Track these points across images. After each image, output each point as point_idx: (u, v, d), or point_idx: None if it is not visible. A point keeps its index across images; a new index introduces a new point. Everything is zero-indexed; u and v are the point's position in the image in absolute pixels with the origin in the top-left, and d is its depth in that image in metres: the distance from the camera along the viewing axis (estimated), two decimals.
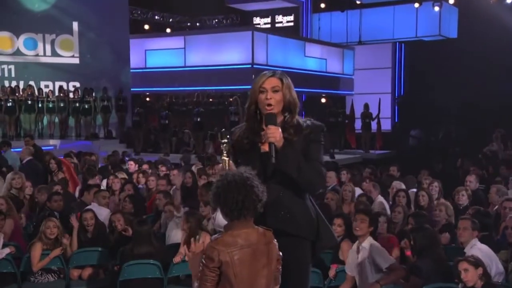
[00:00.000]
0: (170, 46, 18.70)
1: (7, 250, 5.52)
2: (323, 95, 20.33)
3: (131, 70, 18.02)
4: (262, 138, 2.87)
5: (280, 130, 2.83)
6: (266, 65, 16.87)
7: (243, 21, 25.18)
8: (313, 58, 20.05)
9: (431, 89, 20.27)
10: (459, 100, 19.09)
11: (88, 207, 6.71)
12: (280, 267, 2.65)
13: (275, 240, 2.60)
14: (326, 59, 20.70)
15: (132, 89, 17.92)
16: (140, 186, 8.22)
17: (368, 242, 4.80)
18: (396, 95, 22.75)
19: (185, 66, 18.04)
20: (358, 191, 7.41)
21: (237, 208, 2.48)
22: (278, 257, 2.60)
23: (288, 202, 2.91)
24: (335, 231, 5.31)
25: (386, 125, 20.12)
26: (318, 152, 2.95)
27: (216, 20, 26.04)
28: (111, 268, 5.73)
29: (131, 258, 5.22)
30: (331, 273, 5.12)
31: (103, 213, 6.61)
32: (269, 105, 2.89)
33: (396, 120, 22.22)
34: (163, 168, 9.35)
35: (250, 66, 16.76)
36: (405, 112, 21.51)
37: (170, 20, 25.53)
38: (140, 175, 8.50)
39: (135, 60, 18.85)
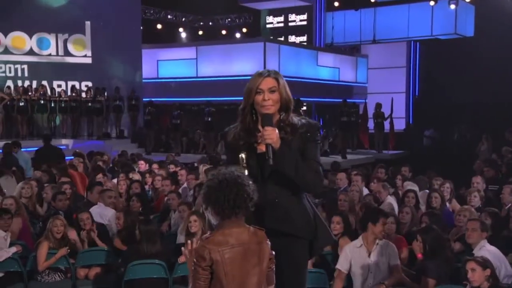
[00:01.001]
0: (182, 56, 18.93)
1: (13, 249, 5.56)
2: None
3: (143, 80, 18.12)
4: (258, 138, 2.86)
5: (277, 131, 2.82)
6: None
7: (256, 20, 25.21)
8: (326, 67, 20.12)
9: (447, 89, 20.11)
10: (475, 100, 18.90)
11: (94, 207, 6.76)
12: (273, 267, 2.65)
13: (268, 239, 2.60)
14: (339, 68, 20.79)
15: (144, 99, 18.04)
16: (146, 186, 8.26)
17: (383, 240, 4.84)
18: (411, 94, 22.61)
19: (197, 77, 18.21)
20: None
21: (228, 207, 2.48)
22: (271, 257, 2.60)
23: (286, 202, 2.91)
24: (334, 229, 5.33)
25: (400, 125, 20.01)
26: (314, 151, 2.94)
27: (229, 20, 26.12)
28: (117, 268, 5.74)
29: (136, 258, 5.23)
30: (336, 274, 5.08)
31: (108, 214, 6.65)
32: (267, 106, 2.88)
33: (410, 120, 22.07)
34: (172, 168, 9.38)
35: None
36: (420, 112, 21.36)
37: (183, 19, 25.65)
38: (147, 175, 8.54)
39: (148, 70, 19.09)
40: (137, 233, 5.46)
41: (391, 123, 16.56)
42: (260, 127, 2.89)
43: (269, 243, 2.60)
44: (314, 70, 19.54)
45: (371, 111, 17.27)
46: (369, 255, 4.78)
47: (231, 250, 2.48)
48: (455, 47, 21.09)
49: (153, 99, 16.97)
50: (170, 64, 19.19)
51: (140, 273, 5.29)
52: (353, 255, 4.84)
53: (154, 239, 5.26)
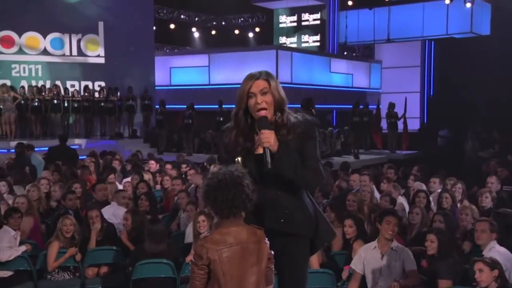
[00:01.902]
0: (195, 64, 19.06)
1: (23, 248, 5.62)
2: None
3: (156, 88, 18.22)
4: (256, 142, 2.84)
5: (273, 133, 2.79)
6: (291, 83, 17.16)
7: (269, 20, 25.22)
8: (339, 74, 20.08)
9: (462, 88, 19.91)
10: (490, 99, 18.70)
11: (107, 206, 6.81)
12: (272, 267, 2.66)
13: (266, 239, 2.61)
14: (352, 74, 20.73)
15: (156, 106, 18.13)
16: (158, 186, 8.30)
17: (396, 243, 4.80)
18: (425, 94, 22.46)
19: (209, 84, 18.27)
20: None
21: (227, 207, 2.50)
22: (270, 256, 2.61)
23: (286, 201, 2.90)
24: (346, 233, 5.29)
25: (415, 125, 19.88)
26: (313, 149, 2.91)
27: (242, 19, 26.16)
28: (125, 267, 5.78)
29: (144, 257, 5.26)
30: (344, 274, 5.08)
31: (121, 213, 6.67)
32: (262, 109, 2.85)
33: (425, 120, 21.91)
34: (185, 168, 9.42)
35: None
36: (434, 111, 21.19)
37: (196, 19, 25.74)
38: (157, 174, 8.59)
39: (160, 77, 19.25)
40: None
41: (405, 123, 16.44)
42: (257, 130, 2.86)
43: (268, 242, 2.61)
44: (327, 76, 19.62)
45: (384, 111, 17.18)
46: (381, 258, 4.75)
47: (229, 249, 2.49)
48: (471, 46, 20.89)
49: (168, 106, 17.02)
50: (183, 71, 19.38)
51: (147, 272, 5.31)
52: (366, 256, 4.83)
53: (158, 239, 5.28)
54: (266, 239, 2.61)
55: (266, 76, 2.91)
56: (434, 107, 21.50)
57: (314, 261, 5.12)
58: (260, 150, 2.81)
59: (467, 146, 15.73)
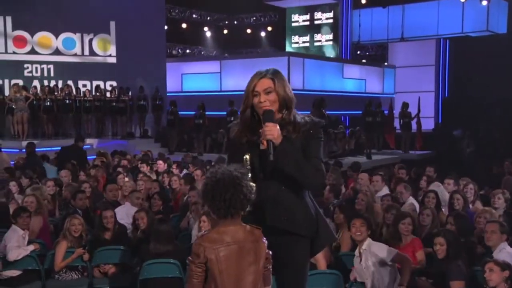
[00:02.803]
0: (206, 70, 19.12)
1: (31, 247, 5.68)
2: None
3: (168, 94, 18.32)
4: (261, 135, 2.86)
5: (278, 127, 2.82)
6: (303, 89, 17.16)
7: (281, 19, 25.21)
8: (351, 80, 20.03)
9: (478, 88, 19.76)
10: (507, 99, 18.52)
11: (120, 206, 6.86)
12: (270, 267, 2.67)
13: (264, 238, 2.62)
14: (365, 80, 20.65)
15: (168, 108, 18.25)
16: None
17: (367, 243, 4.83)
18: (440, 93, 22.30)
19: (221, 91, 18.34)
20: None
21: (224, 206, 2.52)
22: (267, 256, 2.61)
23: (287, 200, 2.91)
24: (355, 233, 5.28)
25: (429, 125, 19.74)
26: (317, 148, 2.94)
27: (254, 18, 26.18)
28: (133, 267, 5.82)
29: (151, 257, 5.30)
30: (352, 275, 5.07)
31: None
32: (264, 107, 2.88)
33: (439, 120, 21.76)
34: (192, 169, 9.47)
35: None
36: (449, 111, 21.04)
37: (208, 18, 25.81)
38: (165, 175, 8.64)
39: (172, 84, 19.35)
40: None
41: (418, 123, 16.35)
42: (262, 124, 2.88)
43: (266, 242, 2.62)
44: (339, 82, 19.63)
45: (397, 111, 17.11)
46: (360, 262, 4.82)
47: (226, 248, 2.51)
48: (487, 45, 20.70)
49: (180, 113, 17.09)
50: (194, 77, 19.47)
51: (154, 272, 5.35)
52: (355, 265, 4.89)
53: (164, 240, 5.31)
54: (264, 238, 2.62)
55: (272, 75, 2.92)
56: (449, 107, 21.35)
57: (322, 261, 5.12)
58: (264, 145, 2.83)
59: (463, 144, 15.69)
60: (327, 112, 13.46)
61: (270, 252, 2.65)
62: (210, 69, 19.12)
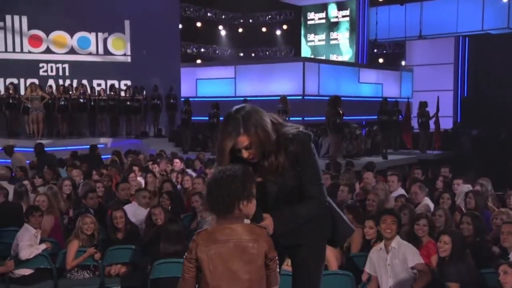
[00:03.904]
0: (221, 75, 19.23)
1: (43, 246, 5.76)
2: None
3: (182, 99, 18.47)
4: (257, 173, 2.80)
5: (268, 222, 2.72)
6: (318, 95, 17.16)
7: (297, 17, 25.19)
8: (368, 84, 19.93)
9: (497, 87, 19.55)
10: None
11: (127, 205, 6.91)
12: (277, 268, 2.67)
13: (268, 237, 2.61)
14: (382, 84, 20.53)
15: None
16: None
17: (397, 241, 4.75)
18: (459, 92, 22.09)
19: (235, 96, 18.40)
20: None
21: (217, 206, 2.55)
22: (272, 257, 2.61)
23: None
24: (367, 234, 5.27)
25: (447, 125, 19.58)
26: (310, 170, 2.85)
27: (269, 16, 26.17)
28: (144, 267, 5.87)
29: (161, 257, 5.34)
30: (364, 276, 5.05)
31: (142, 213, 6.76)
32: (251, 159, 2.78)
33: (458, 119, 21.56)
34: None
35: (301, 97, 17.06)
36: (468, 111, 20.85)
37: (223, 17, 25.88)
38: (179, 174, 8.69)
39: (186, 89, 19.45)
40: None
41: (437, 123, 16.22)
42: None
43: (270, 241, 2.61)
44: (355, 87, 19.58)
45: (415, 110, 16.99)
46: (386, 258, 4.74)
47: (219, 246, 2.52)
48: (508, 42, 20.47)
49: (193, 118, 17.17)
50: (209, 83, 19.58)
51: (165, 271, 5.39)
52: (375, 258, 4.83)
53: (173, 240, 5.34)
54: (268, 238, 2.61)
55: (245, 129, 2.71)
56: (468, 106, 21.15)
57: (333, 262, 5.12)
58: (258, 179, 2.78)
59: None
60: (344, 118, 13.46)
61: (276, 254, 2.64)
62: (225, 75, 19.21)
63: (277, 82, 17.30)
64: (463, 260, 4.62)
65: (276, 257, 2.64)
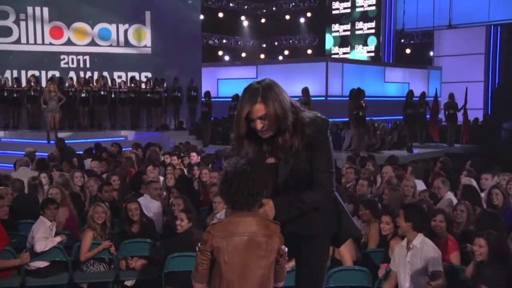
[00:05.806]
0: (243, 75, 19.22)
1: (58, 239, 5.87)
2: None
3: (202, 99, 18.58)
4: (266, 154, 2.84)
5: (267, 208, 2.72)
6: (341, 95, 17.08)
7: (321, 4, 25.01)
8: (394, 83, 19.71)
9: None
10: None
11: (140, 198, 6.99)
12: (285, 263, 2.70)
13: (280, 234, 2.64)
14: (408, 83, 20.33)
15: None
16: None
17: (418, 240, 4.67)
18: (490, 84, 21.70)
19: None
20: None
21: (229, 199, 2.59)
22: (282, 254, 2.64)
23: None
24: (383, 229, 5.24)
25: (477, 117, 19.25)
26: (322, 158, 2.84)
27: (293, 4, 26.03)
28: (159, 260, 5.93)
29: (175, 250, 5.40)
30: (381, 272, 5.04)
31: (153, 206, 6.84)
32: (264, 132, 2.80)
33: (488, 112, 21.19)
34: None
35: (324, 98, 16.99)
36: (500, 102, 20.46)
37: (245, 7, 25.85)
38: (195, 167, 8.76)
39: (207, 89, 19.39)
40: None
41: (465, 115, 15.97)
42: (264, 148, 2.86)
43: (282, 238, 2.64)
44: (381, 87, 19.44)
45: (443, 102, 16.77)
46: (406, 255, 4.69)
47: (235, 239, 2.55)
48: None
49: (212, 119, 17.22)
50: (230, 83, 19.62)
51: (179, 265, 5.45)
52: (397, 254, 4.79)
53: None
54: (281, 234, 2.63)
55: (264, 98, 2.76)
56: (499, 98, 20.76)
57: (347, 257, 5.12)
58: (271, 160, 2.82)
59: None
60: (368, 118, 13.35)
61: (286, 249, 2.67)
62: (247, 75, 19.20)
63: (300, 82, 17.16)
64: (505, 263, 4.47)
65: (286, 254, 2.66)
